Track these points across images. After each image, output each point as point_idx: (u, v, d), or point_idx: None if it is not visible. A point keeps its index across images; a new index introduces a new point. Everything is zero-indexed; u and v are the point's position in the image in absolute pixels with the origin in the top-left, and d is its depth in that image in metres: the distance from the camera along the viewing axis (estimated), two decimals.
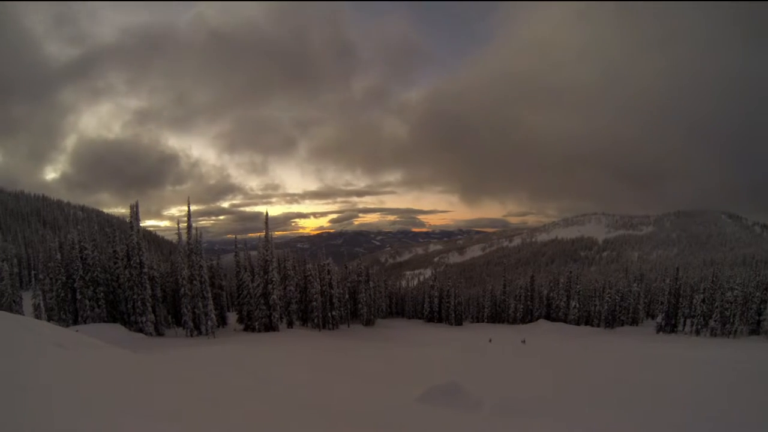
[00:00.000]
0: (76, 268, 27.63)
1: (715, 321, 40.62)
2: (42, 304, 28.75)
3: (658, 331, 45.82)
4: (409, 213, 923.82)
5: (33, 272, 38.40)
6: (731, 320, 40.38)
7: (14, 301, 30.24)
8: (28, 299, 31.24)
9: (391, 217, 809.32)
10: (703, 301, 42.34)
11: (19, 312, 28.87)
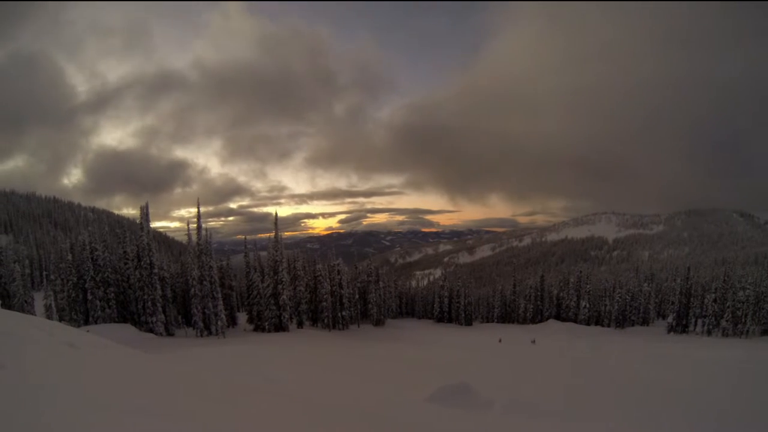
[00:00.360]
0: (87, 268, 27.91)
1: (726, 321, 40.07)
2: (53, 305, 29.06)
3: (669, 332, 45.33)
4: (418, 213, 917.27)
5: (44, 273, 39.07)
6: (743, 320, 39.77)
7: (26, 302, 30.72)
8: (39, 300, 31.68)
9: (400, 217, 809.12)
10: (715, 300, 41.78)
11: (31, 312, 29.29)
